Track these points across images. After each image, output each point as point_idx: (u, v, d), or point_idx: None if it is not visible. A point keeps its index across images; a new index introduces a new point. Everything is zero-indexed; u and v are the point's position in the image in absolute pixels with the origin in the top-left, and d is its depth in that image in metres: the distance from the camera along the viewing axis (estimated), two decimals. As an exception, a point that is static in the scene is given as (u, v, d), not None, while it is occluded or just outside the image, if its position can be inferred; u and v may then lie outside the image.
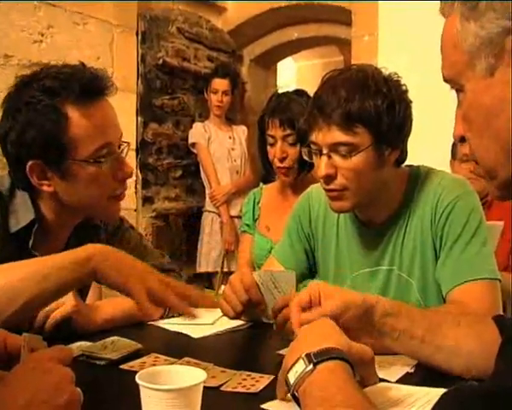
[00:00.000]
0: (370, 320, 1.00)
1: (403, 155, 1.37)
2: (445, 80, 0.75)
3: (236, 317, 1.35)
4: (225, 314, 1.36)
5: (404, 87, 1.33)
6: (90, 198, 1.31)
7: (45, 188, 1.28)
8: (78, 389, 0.73)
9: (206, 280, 3.98)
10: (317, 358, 0.76)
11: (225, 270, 3.79)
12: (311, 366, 0.75)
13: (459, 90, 0.73)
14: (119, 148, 1.34)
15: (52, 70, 1.28)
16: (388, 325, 1.01)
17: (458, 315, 1.10)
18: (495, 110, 0.68)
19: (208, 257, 3.86)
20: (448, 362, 1.01)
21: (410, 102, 1.34)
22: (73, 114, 1.24)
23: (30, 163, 1.25)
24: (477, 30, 0.67)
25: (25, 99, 1.24)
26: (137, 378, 0.71)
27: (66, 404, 0.69)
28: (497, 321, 1.02)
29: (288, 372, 0.78)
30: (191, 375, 0.72)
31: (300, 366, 0.76)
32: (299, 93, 2.17)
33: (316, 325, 0.87)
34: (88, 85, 1.26)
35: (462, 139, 0.76)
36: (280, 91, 2.31)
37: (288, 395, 0.80)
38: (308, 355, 0.76)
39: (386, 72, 1.34)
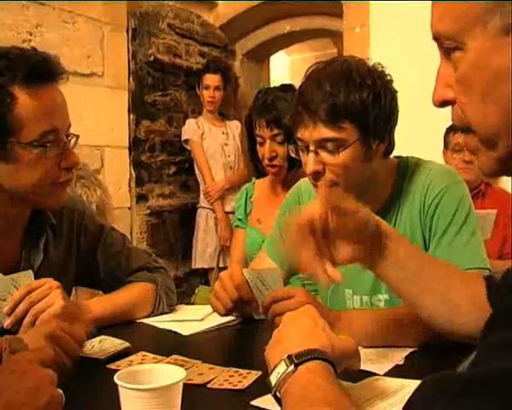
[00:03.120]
0: (370, 237, 1.02)
1: (390, 146, 1.36)
2: (437, 38, 0.68)
3: (227, 314, 1.35)
4: (216, 312, 1.35)
5: (388, 77, 1.31)
6: (33, 183, 1.24)
7: None
8: (60, 391, 0.72)
9: (202, 276, 3.98)
10: (298, 359, 0.76)
11: (221, 266, 3.78)
12: (292, 367, 0.75)
13: (455, 48, 0.65)
14: (67, 138, 1.29)
15: (2, 50, 1.23)
16: (388, 248, 1.03)
17: (453, 268, 1.11)
18: (503, 74, 0.61)
19: (204, 253, 3.85)
20: (434, 306, 1.02)
21: (396, 91, 1.32)
22: (21, 94, 1.19)
23: None
24: None
25: None
26: (116, 378, 0.70)
27: (45, 406, 0.68)
28: (487, 279, 1.03)
29: (270, 374, 0.78)
30: (171, 374, 0.71)
31: (282, 368, 0.76)
32: (285, 89, 2.15)
33: (299, 318, 0.87)
34: (37, 68, 1.21)
35: (444, 104, 0.70)
36: (266, 88, 2.28)
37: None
38: (290, 357, 0.76)
39: (370, 62, 1.32)
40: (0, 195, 1.26)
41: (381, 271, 1.05)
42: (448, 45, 0.66)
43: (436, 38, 0.68)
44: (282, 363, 0.76)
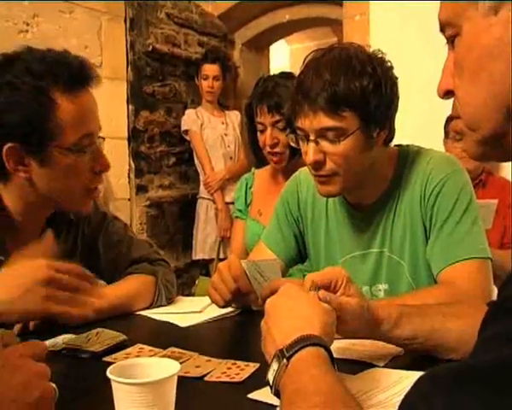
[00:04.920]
0: (373, 331, 0.98)
1: (391, 134, 1.34)
2: (442, 27, 0.69)
3: (226, 305, 1.33)
4: (215, 303, 1.34)
5: (388, 63, 1.29)
6: (66, 188, 1.28)
7: (21, 174, 1.23)
8: (52, 385, 0.70)
9: (203, 267, 3.97)
10: (289, 352, 0.75)
11: (221, 257, 3.77)
12: (284, 361, 0.74)
13: (455, 35, 0.67)
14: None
15: (37, 52, 1.24)
16: (392, 336, 0.99)
17: (455, 306, 1.07)
18: (493, 52, 0.62)
19: (204, 244, 3.84)
20: (448, 356, 1.00)
21: (396, 78, 1.30)
22: (61, 99, 1.21)
23: (7, 146, 1.19)
24: None
25: (7, 78, 1.19)
26: (108, 372, 0.69)
27: (37, 402, 0.66)
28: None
29: (267, 373, 0.77)
30: (165, 368, 0.70)
31: (276, 364, 0.76)
32: (286, 76, 2.13)
33: (279, 302, 0.85)
34: (77, 73, 1.24)
35: (447, 93, 0.71)
36: (266, 75, 2.25)
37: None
38: (281, 351, 0.76)
39: (369, 49, 1.30)
40: (32, 195, 1.27)
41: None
42: (450, 33, 0.67)
43: (441, 28, 0.68)
44: (275, 359, 0.76)
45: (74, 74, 1.23)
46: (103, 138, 1.36)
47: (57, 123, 1.20)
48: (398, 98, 1.31)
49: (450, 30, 0.67)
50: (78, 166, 1.26)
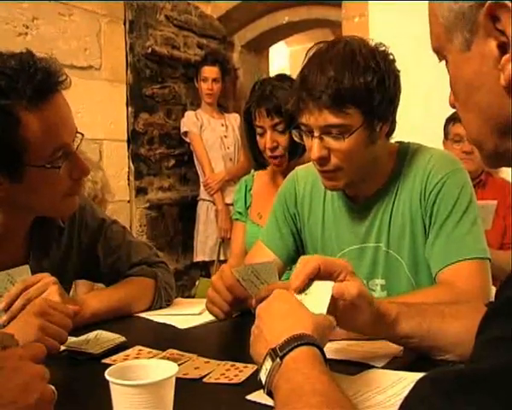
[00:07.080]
0: (375, 326, 0.97)
1: (393, 126, 1.34)
2: (434, 52, 0.72)
3: (226, 317, 1.31)
4: (215, 317, 1.31)
5: (391, 56, 1.29)
6: (44, 199, 1.24)
7: None
8: (52, 387, 0.71)
9: (203, 268, 3.97)
10: (282, 351, 0.75)
11: (222, 258, 3.77)
12: (277, 360, 0.74)
13: (445, 60, 0.70)
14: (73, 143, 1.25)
15: None
16: (389, 334, 0.99)
17: (454, 306, 1.07)
18: (474, 84, 0.65)
19: (205, 246, 3.84)
20: (444, 356, 1.00)
21: (398, 71, 1.30)
22: (26, 117, 1.13)
23: None
24: (451, 3, 0.65)
25: None
26: (106, 374, 0.69)
27: (36, 404, 0.67)
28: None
29: (259, 372, 0.77)
30: (163, 369, 0.70)
31: (268, 364, 0.76)
32: (282, 78, 2.13)
33: (272, 306, 0.86)
34: (41, 85, 1.14)
35: (455, 107, 0.74)
36: (262, 78, 2.25)
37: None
38: (274, 350, 0.76)
39: (372, 42, 1.29)
40: (8, 208, 1.25)
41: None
42: (441, 59, 0.71)
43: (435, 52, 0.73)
44: (268, 358, 0.76)
45: (38, 88, 1.14)
46: (82, 134, 1.26)
47: (24, 142, 1.13)
48: (400, 91, 1.31)
49: (441, 57, 0.70)
50: (54, 178, 1.21)
